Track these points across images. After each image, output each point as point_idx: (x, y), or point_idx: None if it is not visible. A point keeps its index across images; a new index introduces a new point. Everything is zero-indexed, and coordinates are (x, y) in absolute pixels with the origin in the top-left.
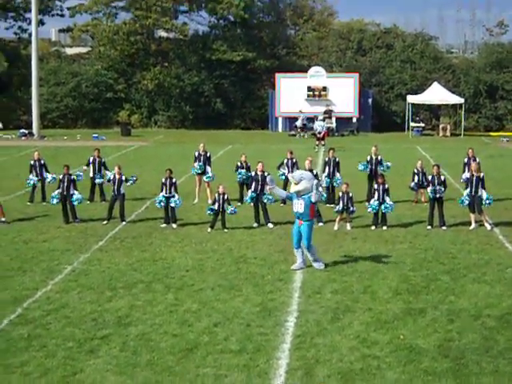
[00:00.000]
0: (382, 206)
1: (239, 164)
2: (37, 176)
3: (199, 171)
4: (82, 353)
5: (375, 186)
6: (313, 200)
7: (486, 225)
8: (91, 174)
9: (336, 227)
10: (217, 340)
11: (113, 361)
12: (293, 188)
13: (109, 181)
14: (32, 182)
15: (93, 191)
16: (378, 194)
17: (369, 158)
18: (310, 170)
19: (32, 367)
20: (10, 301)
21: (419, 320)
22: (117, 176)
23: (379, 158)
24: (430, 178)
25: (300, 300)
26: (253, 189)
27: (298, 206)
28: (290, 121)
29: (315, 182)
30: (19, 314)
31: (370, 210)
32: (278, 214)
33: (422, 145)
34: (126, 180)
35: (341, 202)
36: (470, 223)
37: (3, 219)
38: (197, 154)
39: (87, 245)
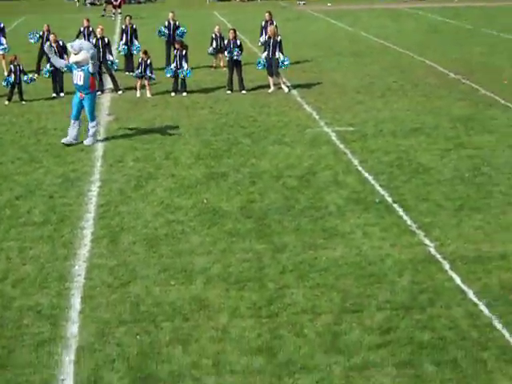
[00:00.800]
0: (179, 71)
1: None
2: None
3: None
4: None
5: (174, 52)
6: (91, 71)
7: (284, 87)
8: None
9: (138, 94)
10: (19, 213)
11: None
12: (72, 58)
13: None
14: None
15: None
16: (176, 60)
17: (166, 23)
18: (102, 38)
19: None
20: None
21: (222, 183)
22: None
23: (177, 23)
24: (226, 42)
25: (102, 169)
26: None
27: (78, 77)
28: None
29: (92, 51)
30: None
31: (167, 75)
32: None
33: (219, 10)
34: None
35: (139, 68)
36: (268, 86)
37: None
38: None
39: None
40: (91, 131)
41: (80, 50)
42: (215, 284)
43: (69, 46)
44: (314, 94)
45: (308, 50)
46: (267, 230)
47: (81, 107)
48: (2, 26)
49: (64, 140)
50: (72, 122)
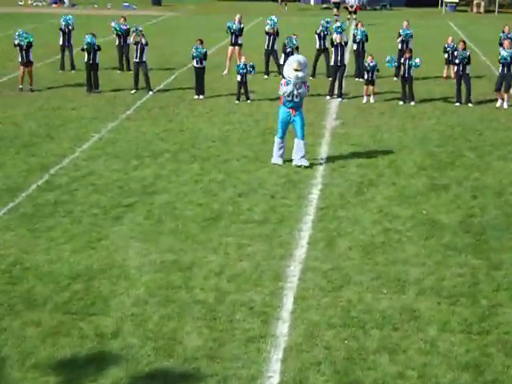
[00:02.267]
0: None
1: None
2: (63, 43)
3: (234, 30)
4: (107, 220)
5: (401, 60)
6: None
7: (505, 103)
8: (116, 43)
9: (365, 100)
10: (241, 210)
11: (137, 228)
12: (295, 73)
13: (135, 44)
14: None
15: (121, 60)
16: (404, 68)
17: (401, 31)
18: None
19: (58, 232)
20: (37, 167)
21: (442, 196)
22: (138, 40)
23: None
24: (455, 53)
25: (325, 173)
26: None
27: (296, 95)
28: None
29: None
30: (46, 180)
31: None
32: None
33: (454, 21)
34: (147, 44)
35: (365, 74)
36: (496, 100)
37: (30, 87)
38: (231, 25)
39: (115, 113)
40: (305, 149)
41: (305, 67)
42: (427, 296)
43: (295, 59)
44: None
45: None
46: (485, 245)
47: (288, 125)
48: (242, 26)
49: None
50: (280, 141)
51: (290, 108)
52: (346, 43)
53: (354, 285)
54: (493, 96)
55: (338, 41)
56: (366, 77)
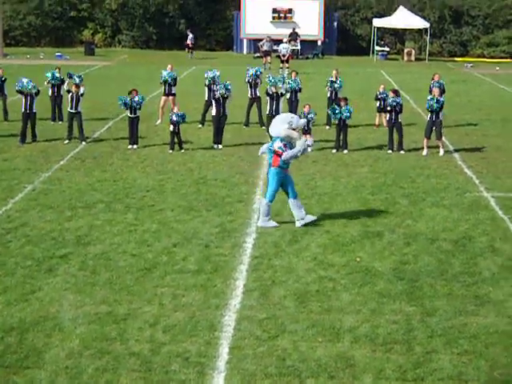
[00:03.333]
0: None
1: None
2: None
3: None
4: (41, 271)
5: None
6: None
7: (441, 150)
8: (50, 93)
9: None
10: (175, 260)
11: (71, 279)
12: (290, 133)
13: (68, 92)
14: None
15: (54, 110)
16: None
17: (330, 80)
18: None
19: None
20: None
21: (376, 243)
22: (74, 91)
23: (339, 80)
24: (388, 101)
25: (259, 222)
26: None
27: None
28: (255, 43)
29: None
30: None
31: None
32: (241, 136)
33: (386, 69)
34: (82, 94)
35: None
36: (423, 148)
37: None
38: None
39: (48, 164)
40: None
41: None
42: (362, 344)
43: (295, 119)
44: (476, 158)
45: (472, 114)
46: (419, 292)
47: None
48: (175, 76)
49: (300, 222)
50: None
51: (286, 169)
52: (282, 94)
53: (290, 333)
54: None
55: (274, 91)
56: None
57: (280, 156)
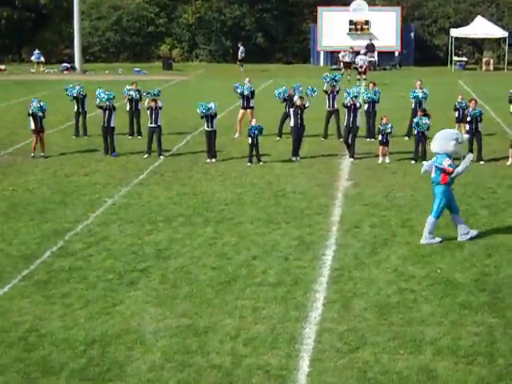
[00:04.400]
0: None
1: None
2: (78, 109)
3: (246, 91)
4: (121, 285)
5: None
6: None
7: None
8: (128, 108)
9: (380, 160)
10: (255, 273)
11: (152, 293)
12: (458, 148)
13: (148, 108)
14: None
15: (131, 125)
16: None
17: (414, 91)
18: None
19: (73, 298)
20: (51, 233)
21: (457, 254)
22: (152, 105)
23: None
24: (466, 111)
25: (338, 234)
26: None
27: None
28: (332, 55)
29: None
30: (61, 247)
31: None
32: (319, 148)
33: (464, 79)
34: (161, 107)
35: (380, 135)
36: (508, 158)
37: (42, 154)
38: (241, 88)
39: (128, 178)
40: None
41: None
42: (444, 356)
43: (460, 135)
44: None
45: None
46: (501, 303)
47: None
48: (252, 89)
49: (463, 237)
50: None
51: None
52: (359, 107)
53: (371, 346)
54: (504, 153)
55: (352, 102)
56: (380, 138)
57: (449, 173)
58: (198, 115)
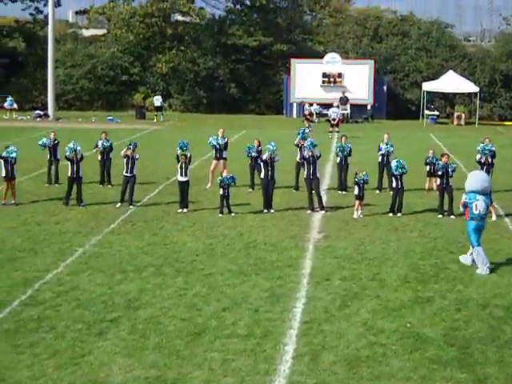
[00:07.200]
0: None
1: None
2: (50, 157)
3: (218, 144)
4: (90, 335)
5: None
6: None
7: (493, 215)
8: (99, 158)
9: (355, 215)
10: (225, 325)
11: (121, 343)
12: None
13: (125, 157)
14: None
15: (103, 174)
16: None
17: (381, 145)
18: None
19: (41, 348)
20: (20, 282)
21: (426, 308)
22: (129, 155)
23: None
24: (439, 165)
25: (309, 286)
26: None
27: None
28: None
29: None
30: (30, 296)
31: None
32: (291, 199)
33: (436, 133)
34: (138, 158)
35: (356, 188)
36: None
37: (13, 201)
38: (214, 140)
39: (99, 227)
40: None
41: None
42: None
43: (482, 176)
44: None
45: None
46: (470, 359)
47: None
48: (226, 140)
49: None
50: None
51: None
52: (318, 157)
53: None
54: None
55: (310, 154)
56: (356, 191)
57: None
58: (170, 165)
